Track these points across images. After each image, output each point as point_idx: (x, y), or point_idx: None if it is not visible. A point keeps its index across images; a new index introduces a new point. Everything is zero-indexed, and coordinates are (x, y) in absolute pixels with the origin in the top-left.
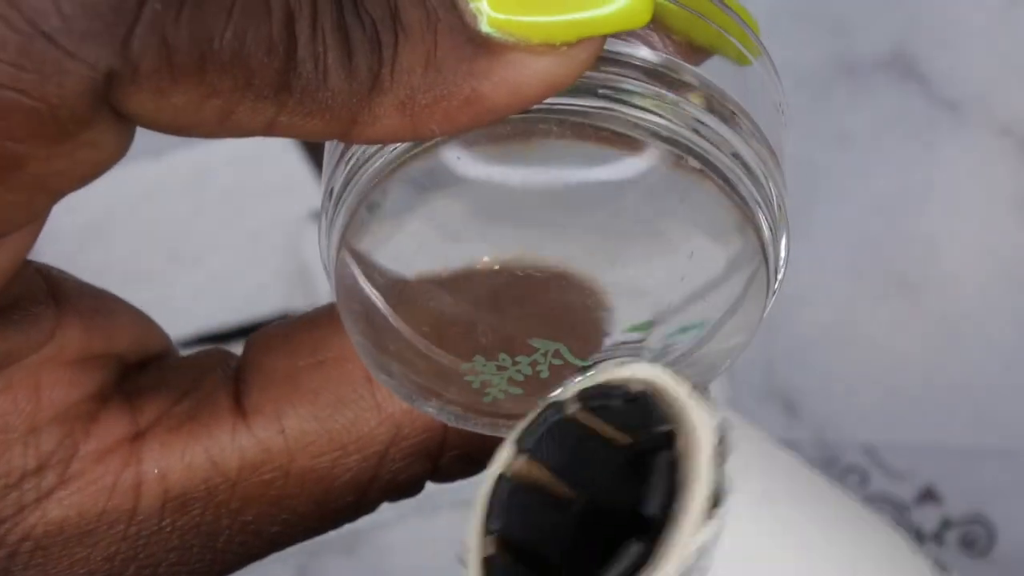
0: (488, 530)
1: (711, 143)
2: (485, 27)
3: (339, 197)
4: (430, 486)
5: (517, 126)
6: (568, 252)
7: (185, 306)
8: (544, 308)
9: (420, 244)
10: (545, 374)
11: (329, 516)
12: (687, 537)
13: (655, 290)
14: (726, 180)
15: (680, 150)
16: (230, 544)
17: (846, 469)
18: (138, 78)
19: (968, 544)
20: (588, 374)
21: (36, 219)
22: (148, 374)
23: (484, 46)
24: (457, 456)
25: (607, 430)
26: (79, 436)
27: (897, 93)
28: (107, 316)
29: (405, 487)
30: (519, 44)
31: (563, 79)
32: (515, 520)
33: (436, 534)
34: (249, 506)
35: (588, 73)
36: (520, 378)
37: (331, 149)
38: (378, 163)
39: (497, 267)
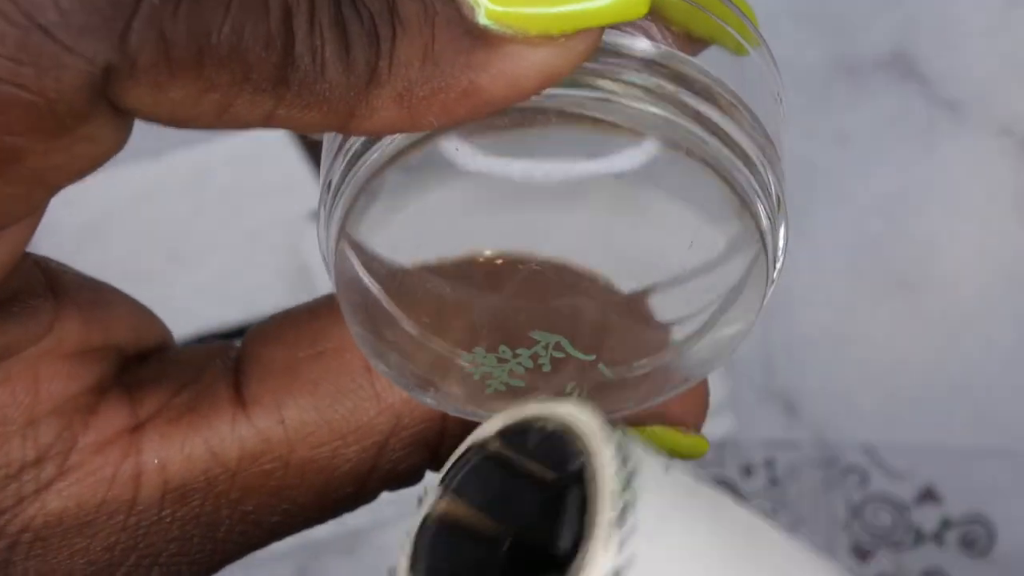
0: (415, 571)
1: (710, 133)
2: (483, 19)
3: (338, 189)
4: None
5: (515, 118)
6: (567, 243)
7: (185, 306)
8: (544, 300)
9: (419, 235)
10: (547, 367)
11: (329, 506)
12: (595, 569)
13: (655, 279)
14: (724, 170)
15: (678, 140)
16: (230, 534)
17: (846, 469)
18: (136, 72)
19: (968, 544)
20: (508, 410)
21: (34, 212)
22: (147, 366)
23: (482, 38)
24: (457, 446)
25: (528, 466)
26: (78, 428)
27: (897, 93)
28: (106, 308)
29: (405, 477)
30: (516, 36)
31: (561, 70)
32: (441, 560)
33: None
34: (249, 496)
35: (586, 64)
36: (521, 371)
37: (330, 141)
38: (376, 154)
39: (496, 258)
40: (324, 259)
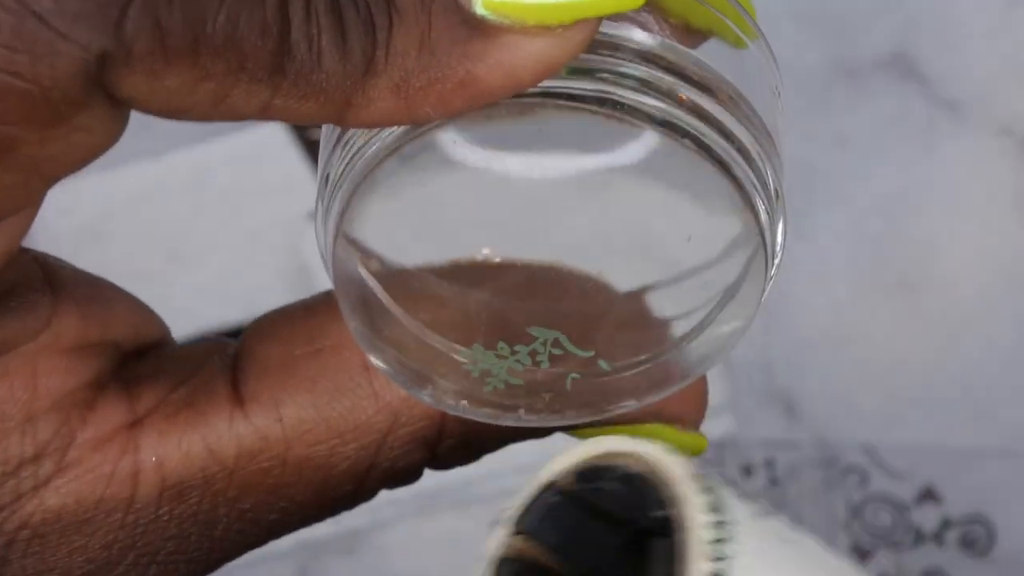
0: None
1: (708, 126)
2: (479, 9)
3: (335, 183)
4: (430, 487)
5: (512, 109)
6: (565, 236)
7: (185, 306)
8: (542, 295)
9: (417, 230)
10: (545, 364)
11: (327, 504)
12: None
13: (653, 274)
14: (723, 163)
15: (677, 133)
16: (228, 532)
17: (846, 469)
18: (131, 60)
19: (968, 544)
20: (581, 447)
21: (30, 204)
22: (145, 362)
23: (479, 28)
24: (455, 443)
25: (607, 508)
26: (76, 424)
27: (897, 93)
28: (104, 304)
29: (403, 475)
30: (514, 26)
31: (558, 61)
32: None
33: (436, 534)
34: (247, 494)
35: (584, 56)
36: (520, 368)
37: (327, 135)
38: (374, 148)
39: (494, 254)
40: (322, 255)
